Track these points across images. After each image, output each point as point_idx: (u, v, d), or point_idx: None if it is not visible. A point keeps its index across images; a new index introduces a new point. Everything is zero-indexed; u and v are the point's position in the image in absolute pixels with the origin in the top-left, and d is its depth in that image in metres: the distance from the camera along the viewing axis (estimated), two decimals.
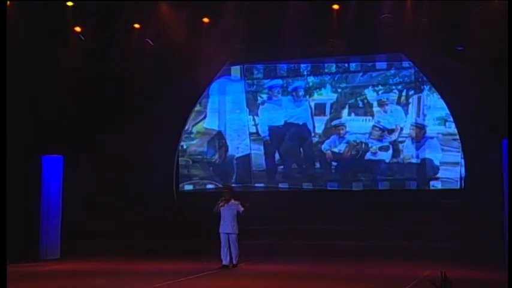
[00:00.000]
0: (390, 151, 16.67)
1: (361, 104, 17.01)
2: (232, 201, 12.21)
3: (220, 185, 17.31)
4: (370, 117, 16.88)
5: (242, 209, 12.10)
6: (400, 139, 16.62)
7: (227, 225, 12.10)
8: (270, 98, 17.83)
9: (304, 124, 17.38)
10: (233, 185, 17.04)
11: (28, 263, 13.73)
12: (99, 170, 16.30)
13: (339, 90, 17.22)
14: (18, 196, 15.38)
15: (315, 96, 17.39)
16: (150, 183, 17.52)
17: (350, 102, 17.10)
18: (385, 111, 16.80)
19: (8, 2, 14.06)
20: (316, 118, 17.31)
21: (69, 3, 14.99)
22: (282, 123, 17.58)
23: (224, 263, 12.11)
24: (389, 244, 14.14)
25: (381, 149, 16.75)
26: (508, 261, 5.93)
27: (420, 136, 16.42)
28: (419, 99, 16.50)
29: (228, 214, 12.09)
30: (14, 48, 15.03)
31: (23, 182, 15.24)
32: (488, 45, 13.85)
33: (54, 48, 15.71)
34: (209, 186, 18.13)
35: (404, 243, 14.07)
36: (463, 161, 15.83)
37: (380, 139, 16.77)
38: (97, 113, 16.87)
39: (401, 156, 16.59)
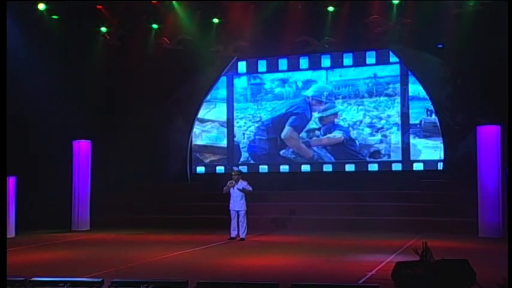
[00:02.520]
0: (379, 137, 16.76)
1: (353, 95, 17.07)
2: (241, 181, 12.34)
3: (229, 168, 17.47)
4: (361, 107, 16.96)
5: (250, 188, 12.22)
6: (387, 126, 16.70)
7: (237, 203, 12.18)
8: (272, 90, 17.89)
9: (303, 113, 17.39)
10: (239, 167, 17.18)
11: (61, 233, 14.06)
12: (123, 154, 16.47)
13: (334, 82, 17.25)
14: (52, 176, 15.65)
15: (312, 88, 17.45)
16: (168, 166, 17.71)
17: (343, 93, 17.18)
18: (375, 102, 16.86)
19: (44, 5, 14.20)
20: (313, 107, 17.34)
21: (99, 7, 15.12)
22: (283, 112, 17.59)
23: (232, 235, 12.23)
24: (379, 218, 14.22)
25: (370, 134, 16.85)
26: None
27: (405, 123, 16.50)
28: (404, 90, 16.53)
29: (238, 193, 12.19)
30: (49, 47, 15.25)
31: (57, 164, 15.49)
32: (464, 43, 13.94)
33: (84, 46, 15.85)
34: (219, 168, 18.24)
35: (392, 217, 14.09)
36: (442, 145, 15.92)
37: (370, 126, 16.86)
38: (120, 104, 17.02)
39: (389, 141, 16.67)
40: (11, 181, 13.55)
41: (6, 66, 8.41)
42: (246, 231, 12.23)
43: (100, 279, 7.13)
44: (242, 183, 12.27)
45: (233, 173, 12.63)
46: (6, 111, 7.85)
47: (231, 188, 12.23)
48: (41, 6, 14.27)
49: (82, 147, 15.31)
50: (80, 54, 15.79)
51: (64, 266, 9.14)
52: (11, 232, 13.42)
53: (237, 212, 12.20)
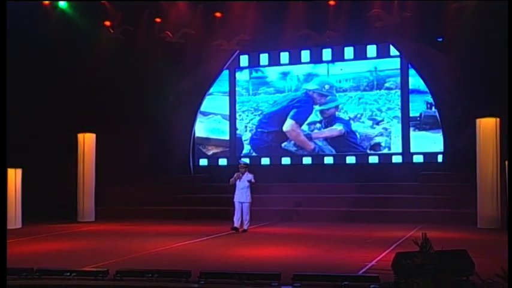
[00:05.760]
0: (379, 129, 16.76)
1: (354, 88, 17.06)
2: (247, 173, 12.25)
3: (230, 161, 17.49)
4: (362, 100, 16.94)
5: (253, 181, 12.14)
6: (387, 119, 16.70)
7: (242, 195, 12.10)
8: (273, 83, 17.88)
9: (304, 106, 17.36)
10: (242, 159, 17.16)
11: (67, 224, 14.12)
12: (127, 146, 16.51)
13: (335, 76, 17.26)
14: (58, 168, 15.72)
15: (314, 81, 17.43)
16: (171, 158, 17.73)
17: (344, 86, 17.16)
18: (375, 95, 16.85)
19: (47, 1, 14.20)
20: (314, 100, 17.32)
21: (103, 2, 15.12)
22: (285, 105, 17.58)
23: (235, 225, 12.12)
24: (379, 210, 14.22)
25: (371, 127, 16.84)
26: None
27: (405, 116, 16.47)
28: (405, 83, 16.52)
29: (244, 185, 12.12)
30: (54, 41, 15.27)
31: (63, 156, 15.55)
32: (464, 36, 13.91)
33: (88, 39, 15.85)
34: (221, 161, 18.26)
35: (392, 209, 14.07)
36: (442, 138, 15.92)
37: (370, 119, 16.85)
38: (124, 97, 17.03)
39: (389, 134, 16.66)
40: (18, 173, 13.61)
41: (9, 63, 8.41)
42: (248, 223, 12.22)
43: (105, 269, 7.18)
44: (248, 176, 12.19)
45: (240, 166, 12.49)
46: (6, 105, 7.87)
47: (237, 180, 12.17)
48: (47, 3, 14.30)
49: (87, 140, 15.34)
50: (84, 48, 15.79)
51: (70, 256, 9.18)
52: (18, 223, 13.52)
53: (242, 203, 12.14)
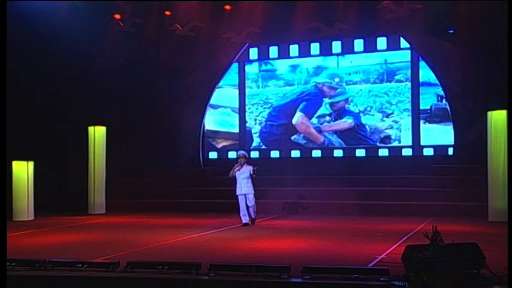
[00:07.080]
0: (389, 122, 16.69)
1: (364, 81, 16.98)
2: (246, 165, 12.02)
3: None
4: (372, 92, 16.87)
5: (255, 172, 11.95)
6: (398, 111, 16.62)
7: (244, 187, 11.90)
8: (283, 76, 17.85)
9: (314, 99, 17.32)
10: (251, 152, 17.15)
11: (78, 216, 14.22)
12: (137, 139, 16.56)
13: (345, 68, 17.18)
14: (69, 161, 15.83)
15: (323, 74, 17.37)
16: (181, 151, 17.77)
17: (354, 79, 17.09)
18: (385, 87, 16.77)
19: None
20: (324, 93, 17.30)
21: None
22: (294, 97, 17.55)
23: (244, 221, 11.91)
24: (389, 203, 14.16)
25: (381, 120, 16.78)
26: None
27: (416, 109, 16.39)
28: (415, 76, 16.42)
29: (244, 177, 11.93)
30: (64, 34, 15.35)
31: (74, 149, 15.65)
32: (475, 28, 13.78)
33: (98, 32, 15.89)
34: (231, 154, 18.26)
35: (402, 202, 14.05)
36: (452, 130, 15.82)
37: (380, 111, 16.78)
38: (133, 90, 17.08)
39: (399, 127, 16.60)
40: (30, 165, 13.73)
41: (19, 57, 8.44)
42: (256, 213, 12.11)
43: (116, 261, 7.23)
44: (248, 167, 12.01)
45: (240, 156, 12.23)
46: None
47: (237, 172, 11.97)
48: None
49: (97, 133, 15.42)
50: (95, 41, 15.84)
51: (81, 248, 9.25)
52: (30, 215, 13.67)
53: (245, 195, 11.94)
